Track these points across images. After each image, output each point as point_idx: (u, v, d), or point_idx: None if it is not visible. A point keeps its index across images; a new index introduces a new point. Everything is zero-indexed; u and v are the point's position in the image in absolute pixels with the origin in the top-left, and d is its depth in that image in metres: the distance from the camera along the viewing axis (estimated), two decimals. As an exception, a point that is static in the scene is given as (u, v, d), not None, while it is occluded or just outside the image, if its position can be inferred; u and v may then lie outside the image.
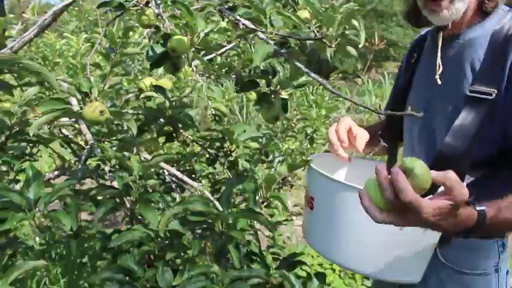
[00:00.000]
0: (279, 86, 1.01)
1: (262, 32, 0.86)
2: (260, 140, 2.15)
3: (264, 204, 1.15)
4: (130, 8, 1.15)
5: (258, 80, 1.03)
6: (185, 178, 1.68)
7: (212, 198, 1.13)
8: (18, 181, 1.42)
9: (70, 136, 1.74)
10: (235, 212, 1.08)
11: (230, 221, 1.06)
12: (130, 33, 1.90)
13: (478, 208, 0.85)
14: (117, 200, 1.25)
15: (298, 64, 0.84)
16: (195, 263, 1.08)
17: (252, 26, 0.89)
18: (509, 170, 1.07)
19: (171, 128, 1.46)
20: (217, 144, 1.44)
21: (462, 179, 1.05)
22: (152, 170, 1.23)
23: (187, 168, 1.95)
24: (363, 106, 0.87)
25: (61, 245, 2.58)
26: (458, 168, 1.02)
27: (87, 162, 1.51)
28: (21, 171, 1.33)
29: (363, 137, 1.20)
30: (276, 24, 0.85)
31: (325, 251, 1.08)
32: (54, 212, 1.09)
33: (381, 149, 1.34)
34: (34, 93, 1.16)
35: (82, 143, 1.62)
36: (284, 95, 1.06)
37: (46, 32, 2.78)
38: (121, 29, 1.59)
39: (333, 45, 1.28)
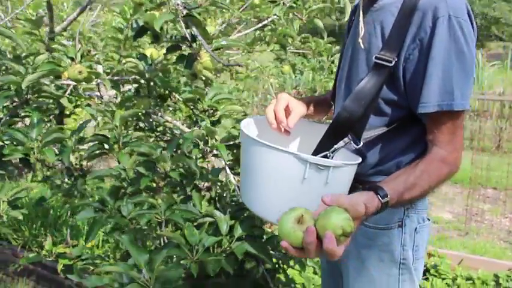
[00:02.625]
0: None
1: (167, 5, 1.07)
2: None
3: (209, 152, 1.36)
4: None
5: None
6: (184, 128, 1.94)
7: (163, 145, 1.37)
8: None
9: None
10: (172, 156, 1.32)
11: (169, 163, 1.30)
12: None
13: (383, 201, 0.94)
14: (105, 145, 1.56)
15: (194, 30, 1.03)
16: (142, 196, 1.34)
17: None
18: (417, 127, 1.11)
19: (165, 91, 1.72)
20: (200, 106, 1.67)
21: (358, 140, 1.11)
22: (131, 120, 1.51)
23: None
24: (230, 64, 1.03)
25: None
26: (352, 131, 1.11)
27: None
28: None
29: (297, 112, 1.23)
30: (185, -1, 1.06)
31: (247, 202, 1.13)
32: (48, 148, 1.43)
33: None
34: (43, 60, 1.50)
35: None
36: (204, 56, 1.24)
37: (103, 11, 3.24)
38: (132, 7, 1.89)
39: (303, 19, 1.45)
